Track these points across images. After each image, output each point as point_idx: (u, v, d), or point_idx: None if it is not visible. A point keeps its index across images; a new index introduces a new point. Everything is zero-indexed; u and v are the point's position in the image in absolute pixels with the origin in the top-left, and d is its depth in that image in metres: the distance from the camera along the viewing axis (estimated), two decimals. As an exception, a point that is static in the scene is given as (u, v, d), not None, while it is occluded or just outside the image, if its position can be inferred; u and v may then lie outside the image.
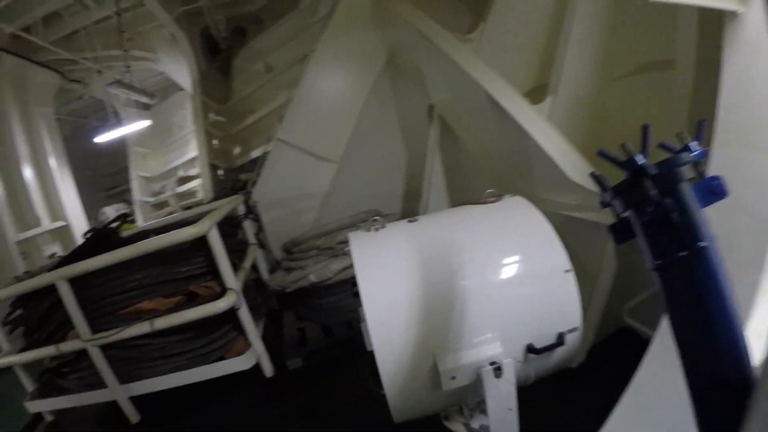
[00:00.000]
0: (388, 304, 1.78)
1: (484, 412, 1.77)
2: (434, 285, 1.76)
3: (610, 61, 3.81)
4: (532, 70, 4.59)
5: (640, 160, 1.19)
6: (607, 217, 1.93)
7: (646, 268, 1.23)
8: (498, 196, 2.24)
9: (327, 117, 4.95)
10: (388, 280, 1.84)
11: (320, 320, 4.00)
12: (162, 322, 3.09)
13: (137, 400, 3.46)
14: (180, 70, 8.64)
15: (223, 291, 3.17)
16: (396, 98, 5.30)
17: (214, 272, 3.25)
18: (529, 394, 1.80)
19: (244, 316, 3.25)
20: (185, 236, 3.03)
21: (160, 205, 10.35)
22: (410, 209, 5.47)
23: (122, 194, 12.88)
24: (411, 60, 4.74)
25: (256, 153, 6.40)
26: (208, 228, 3.08)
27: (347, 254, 3.81)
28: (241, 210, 4.48)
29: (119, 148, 10.91)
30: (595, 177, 1.39)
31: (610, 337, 3.16)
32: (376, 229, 2.10)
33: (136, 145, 10.65)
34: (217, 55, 8.89)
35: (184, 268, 3.29)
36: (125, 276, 3.23)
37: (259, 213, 4.61)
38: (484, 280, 1.79)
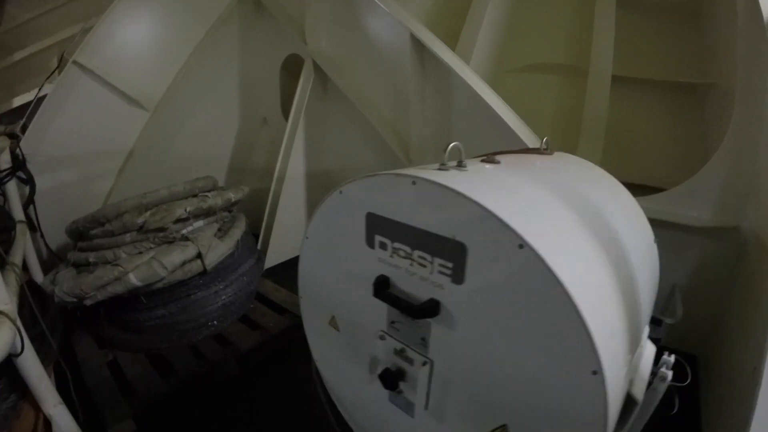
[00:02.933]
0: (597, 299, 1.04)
1: None
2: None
3: (507, 57, 4.06)
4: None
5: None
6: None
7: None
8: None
9: (145, 50, 3.45)
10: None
11: (145, 347, 2.61)
12: None
13: None
14: None
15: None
16: (243, 46, 4.08)
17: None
18: None
19: (30, 365, 1.67)
20: None
21: None
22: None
23: None
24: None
25: (22, 99, 4.24)
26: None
27: (189, 239, 2.61)
28: (4, 163, 2.72)
29: None
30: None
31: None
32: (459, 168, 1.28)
33: None
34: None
35: None
36: None
37: (31, 174, 2.86)
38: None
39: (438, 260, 1.14)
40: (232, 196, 2.90)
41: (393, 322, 1.33)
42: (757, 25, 2.26)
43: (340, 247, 1.43)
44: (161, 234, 2.58)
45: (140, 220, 2.56)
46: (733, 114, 2.46)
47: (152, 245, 2.56)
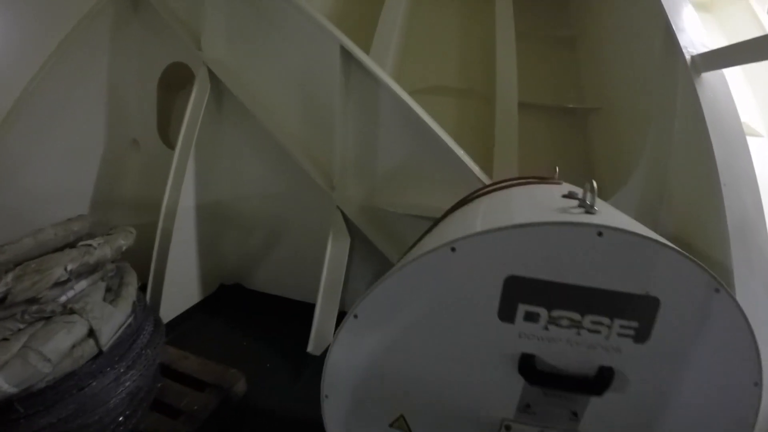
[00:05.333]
0: None
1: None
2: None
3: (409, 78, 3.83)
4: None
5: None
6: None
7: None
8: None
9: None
10: None
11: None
12: None
13: None
14: None
15: None
16: (114, 50, 3.34)
17: None
18: None
19: None
20: None
21: None
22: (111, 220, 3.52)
23: None
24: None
25: None
26: None
27: (74, 311, 1.87)
28: None
29: None
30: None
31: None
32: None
33: None
34: None
35: None
36: None
37: None
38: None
39: (619, 322, 1.02)
40: (123, 243, 2.22)
41: (528, 406, 1.13)
42: (673, 59, 2.43)
43: (437, 325, 1.12)
44: (34, 307, 1.81)
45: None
46: (648, 135, 2.65)
47: (22, 325, 1.77)
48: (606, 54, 3.62)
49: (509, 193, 1.53)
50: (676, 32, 2.43)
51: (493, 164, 3.31)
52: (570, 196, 1.25)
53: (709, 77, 2.29)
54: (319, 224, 3.01)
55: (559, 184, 1.69)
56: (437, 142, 2.66)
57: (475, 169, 2.70)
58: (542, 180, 1.69)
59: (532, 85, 3.69)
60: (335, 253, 2.82)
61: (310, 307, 2.83)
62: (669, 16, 2.51)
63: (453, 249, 1.02)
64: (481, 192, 1.72)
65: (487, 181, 2.57)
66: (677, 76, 2.39)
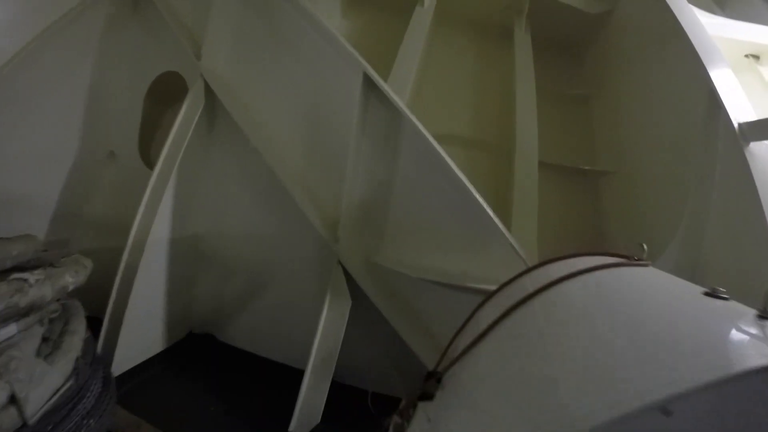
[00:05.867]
0: None
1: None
2: None
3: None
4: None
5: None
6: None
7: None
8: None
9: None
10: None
11: None
12: None
13: None
14: None
15: None
16: (103, 49, 2.98)
17: None
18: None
19: None
20: None
21: None
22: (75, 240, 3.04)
23: None
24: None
25: None
26: None
27: (6, 369, 1.38)
28: None
29: None
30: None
31: None
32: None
33: None
34: None
35: None
36: None
37: None
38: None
39: None
40: (70, 281, 1.77)
41: None
42: (716, 126, 2.30)
43: None
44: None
45: None
46: (686, 203, 2.49)
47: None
48: (625, 115, 3.44)
49: (614, 288, 1.11)
50: (722, 98, 2.30)
51: (511, 224, 2.98)
52: (715, 294, 0.88)
53: (756, 147, 2.15)
54: (314, 278, 2.60)
55: (646, 266, 1.27)
56: (467, 198, 2.30)
57: (508, 233, 2.33)
58: (628, 260, 1.28)
59: (548, 144, 3.42)
60: (332, 317, 2.37)
61: (294, 374, 2.39)
62: (714, 82, 2.37)
63: (667, 412, 0.62)
64: (550, 278, 1.23)
65: (519, 248, 2.21)
66: (719, 143, 2.28)
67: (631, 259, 1.29)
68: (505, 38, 3.71)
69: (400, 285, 2.45)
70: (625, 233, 3.22)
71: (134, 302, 2.51)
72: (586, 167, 3.55)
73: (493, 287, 2.06)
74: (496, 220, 2.31)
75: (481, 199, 2.31)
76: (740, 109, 2.28)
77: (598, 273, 1.17)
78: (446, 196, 2.36)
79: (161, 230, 2.64)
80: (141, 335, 2.65)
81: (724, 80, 2.41)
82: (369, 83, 2.31)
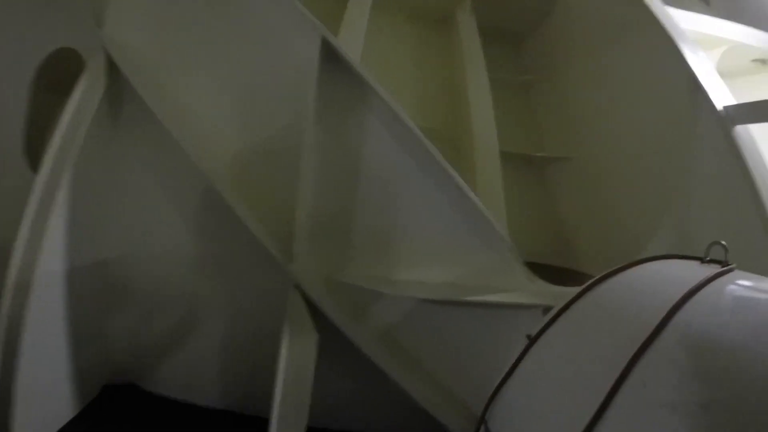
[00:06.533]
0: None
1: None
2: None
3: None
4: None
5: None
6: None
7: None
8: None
9: None
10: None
11: None
12: None
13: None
14: None
15: None
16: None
17: None
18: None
19: None
20: None
21: None
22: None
23: None
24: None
25: None
26: None
27: None
28: None
29: None
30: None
31: None
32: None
33: None
34: None
35: None
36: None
37: None
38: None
39: None
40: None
41: None
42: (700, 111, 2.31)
43: None
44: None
45: None
46: (668, 190, 2.51)
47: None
48: (577, 102, 3.50)
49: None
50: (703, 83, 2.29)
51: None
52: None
53: (742, 131, 2.17)
54: (264, 308, 2.03)
55: (732, 271, 1.01)
56: (456, 194, 1.84)
57: (505, 235, 1.93)
58: (720, 267, 1.01)
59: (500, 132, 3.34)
60: (296, 357, 1.74)
61: (245, 421, 1.87)
62: (692, 67, 2.35)
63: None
64: (665, 302, 0.91)
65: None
66: (702, 127, 2.30)
67: (722, 264, 1.02)
68: (447, 25, 3.69)
69: (375, 307, 1.95)
70: (590, 222, 3.31)
71: (26, 367, 1.81)
72: (539, 154, 3.66)
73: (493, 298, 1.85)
74: (492, 220, 1.96)
75: (473, 197, 1.93)
76: (722, 93, 2.27)
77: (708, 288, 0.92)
78: (429, 193, 1.94)
79: (53, 260, 1.94)
80: (42, 408, 1.95)
81: (702, 65, 2.39)
82: (329, 52, 1.77)
